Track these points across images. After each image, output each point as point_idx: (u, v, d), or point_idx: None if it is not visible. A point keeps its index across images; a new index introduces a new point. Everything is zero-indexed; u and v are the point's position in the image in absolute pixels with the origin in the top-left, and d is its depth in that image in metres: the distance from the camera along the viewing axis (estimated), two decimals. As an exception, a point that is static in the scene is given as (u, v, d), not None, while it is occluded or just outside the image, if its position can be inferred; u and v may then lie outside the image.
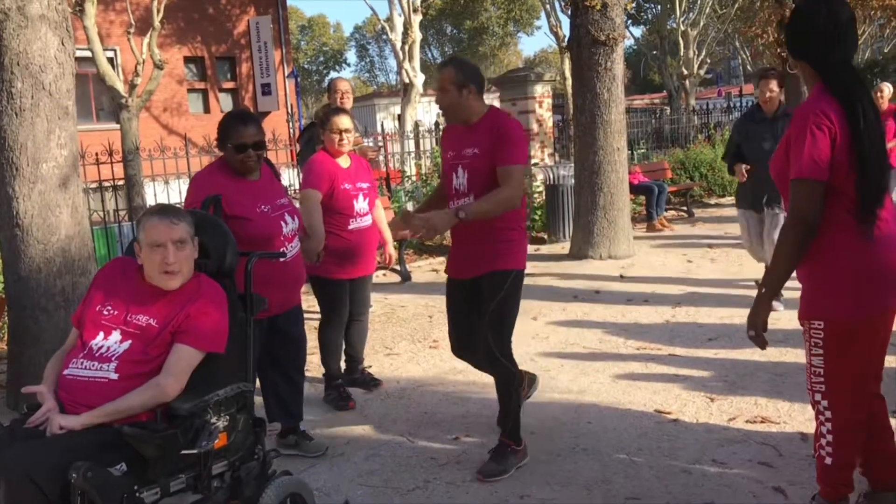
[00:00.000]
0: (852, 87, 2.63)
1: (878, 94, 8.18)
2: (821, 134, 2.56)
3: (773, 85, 6.06)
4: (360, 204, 4.56)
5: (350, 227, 4.50)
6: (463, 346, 3.82)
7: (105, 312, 2.71)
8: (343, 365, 4.86)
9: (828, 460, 2.80)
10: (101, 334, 2.67)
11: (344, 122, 4.51)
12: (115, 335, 2.66)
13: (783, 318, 5.29)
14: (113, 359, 2.61)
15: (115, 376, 2.58)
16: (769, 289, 2.72)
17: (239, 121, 3.60)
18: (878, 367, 2.87)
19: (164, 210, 2.77)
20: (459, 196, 3.61)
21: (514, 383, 3.65)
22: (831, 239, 2.64)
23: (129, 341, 2.64)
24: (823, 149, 2.56)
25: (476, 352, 3.75)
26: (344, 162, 4.60)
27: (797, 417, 4.04)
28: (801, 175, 2.58)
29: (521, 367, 3.76)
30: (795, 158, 2.60)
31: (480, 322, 3.62)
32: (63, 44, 4.46)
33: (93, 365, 2.62)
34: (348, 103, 4.97)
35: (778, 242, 2.71)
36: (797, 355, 4.92)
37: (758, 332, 2.73)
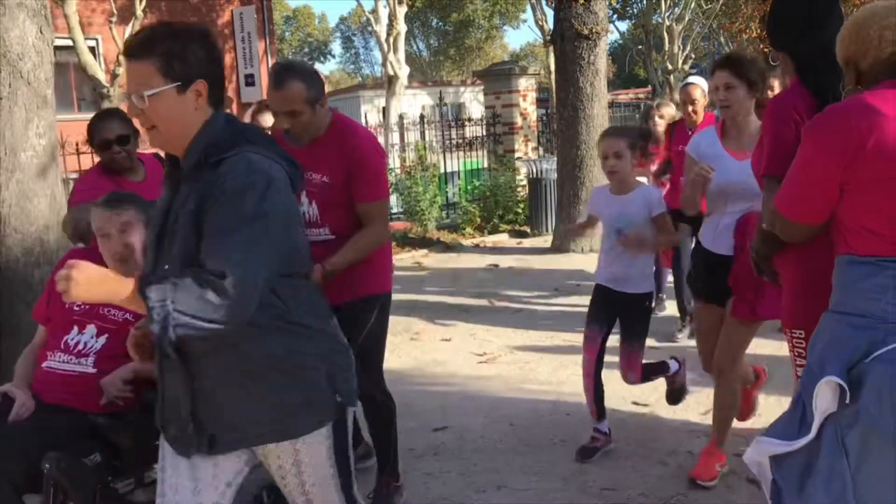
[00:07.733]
0: (826, 77, 2.41)
1: (690, 107, 5.51)
2: (786, 129, 2.39)
3: None
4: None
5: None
6: None
7: (76, 308, 2.68)
8: None
9: None
10: (76, 328, 2.66)
11: (268, 119, 4.39)
12: (91, 329, 2.65)
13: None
14: (91, 353, 2.61)
15: (93, 370, 2.58)
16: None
17: (98, 119, 3.58)
18: None
19: (108, 199, 2.69)
20: (309, 226, 3.09)
21: (389, 415, 3.35)
22: (810, 244, 2.43)
23: (106, 335, 2.64)
24: (788, 145, 2.34)
25: None
26: None
27: (773, 410, 4.08)
28: (767, 171, 2.44)
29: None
30: (765, 154, 2.46)
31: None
32: (41, 32, 4.42)
33: (70, 359, 2.61)
34: None
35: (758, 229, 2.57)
36: (774, 348, 4.97)
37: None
